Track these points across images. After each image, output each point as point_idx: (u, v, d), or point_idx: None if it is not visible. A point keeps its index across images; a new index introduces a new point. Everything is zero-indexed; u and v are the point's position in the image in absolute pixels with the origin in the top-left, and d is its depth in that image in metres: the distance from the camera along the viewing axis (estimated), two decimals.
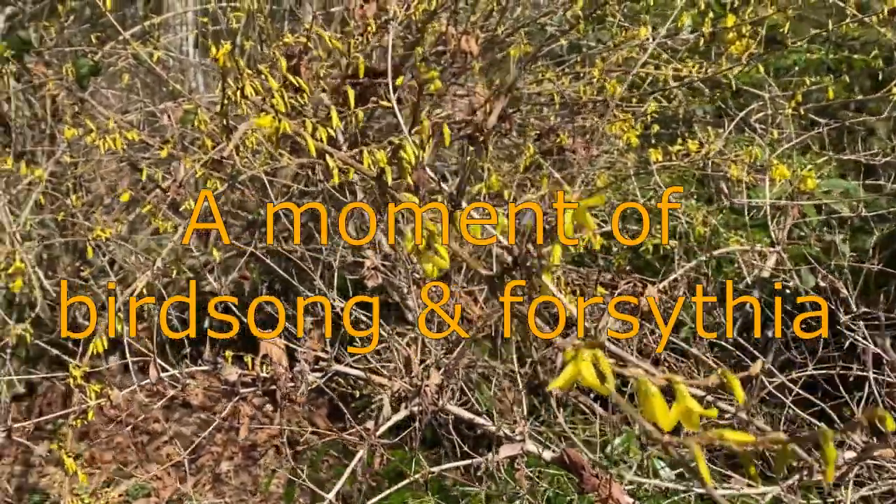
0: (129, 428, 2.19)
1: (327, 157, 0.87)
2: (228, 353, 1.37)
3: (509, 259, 0.59)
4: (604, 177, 2.03)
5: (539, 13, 2.11)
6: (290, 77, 1.25)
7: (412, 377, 1.18)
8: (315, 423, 2.24)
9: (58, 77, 1.88)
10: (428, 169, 0.60)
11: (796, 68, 2.46)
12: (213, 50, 1.11)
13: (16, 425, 1.21)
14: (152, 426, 2.30)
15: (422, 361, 1.22)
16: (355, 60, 1.75)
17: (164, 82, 2.47)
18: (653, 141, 2.18)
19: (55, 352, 2.09)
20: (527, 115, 2.01)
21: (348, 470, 1.12)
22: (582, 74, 2.18)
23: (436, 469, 1.17)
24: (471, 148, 2.03)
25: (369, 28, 1.71)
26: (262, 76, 1.12)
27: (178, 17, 2.87)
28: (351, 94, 0.85)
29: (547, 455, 1.19)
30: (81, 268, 2.40)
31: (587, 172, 2.04)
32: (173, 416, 2.36)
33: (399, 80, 1.74)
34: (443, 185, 0.57)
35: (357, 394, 1.59)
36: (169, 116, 1.25)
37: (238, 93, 1.02)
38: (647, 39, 1.96)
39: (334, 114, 0.83)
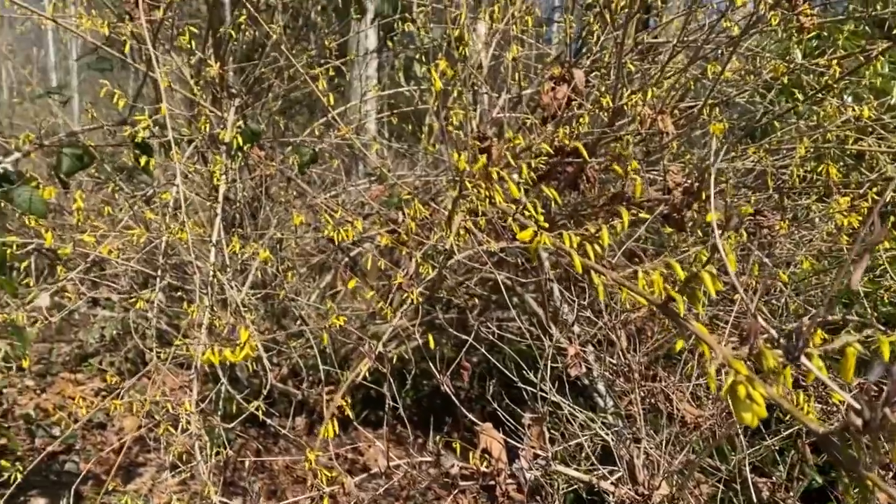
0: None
1: (593, 273, 0.87)
2: (440, 439, 1.39)
3: (858, 421, 0.55)
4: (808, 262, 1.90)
5: (735, 89, 2.04)
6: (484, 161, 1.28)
7: (637, 485, 1.14)
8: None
9: (271, 160, 2.06)
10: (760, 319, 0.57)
11: None
12: (455, 157, 1.16)
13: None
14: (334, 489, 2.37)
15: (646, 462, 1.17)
16: (559, 140, 1.77)
17: (360, 160, 2.65)
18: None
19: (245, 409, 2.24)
20: (726, 195, 1.93)
21: None
22: (781, 151, 2.08)
23: None
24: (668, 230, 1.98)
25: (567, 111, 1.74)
26: (500, 181, 1.16)
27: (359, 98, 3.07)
28: (625, 215, 0.84)
29: None
30: (276, 332, 2.57)
31: (792, 255, 1.92)
32: (353, 479, 2.43)
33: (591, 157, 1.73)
34: (781, 339, 0.54)
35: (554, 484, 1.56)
36: (403, 214, 1.32)
37: (487, 200, 1.05)
38: (860, 116, 1.84)
39: (605, 232, 0.83)
